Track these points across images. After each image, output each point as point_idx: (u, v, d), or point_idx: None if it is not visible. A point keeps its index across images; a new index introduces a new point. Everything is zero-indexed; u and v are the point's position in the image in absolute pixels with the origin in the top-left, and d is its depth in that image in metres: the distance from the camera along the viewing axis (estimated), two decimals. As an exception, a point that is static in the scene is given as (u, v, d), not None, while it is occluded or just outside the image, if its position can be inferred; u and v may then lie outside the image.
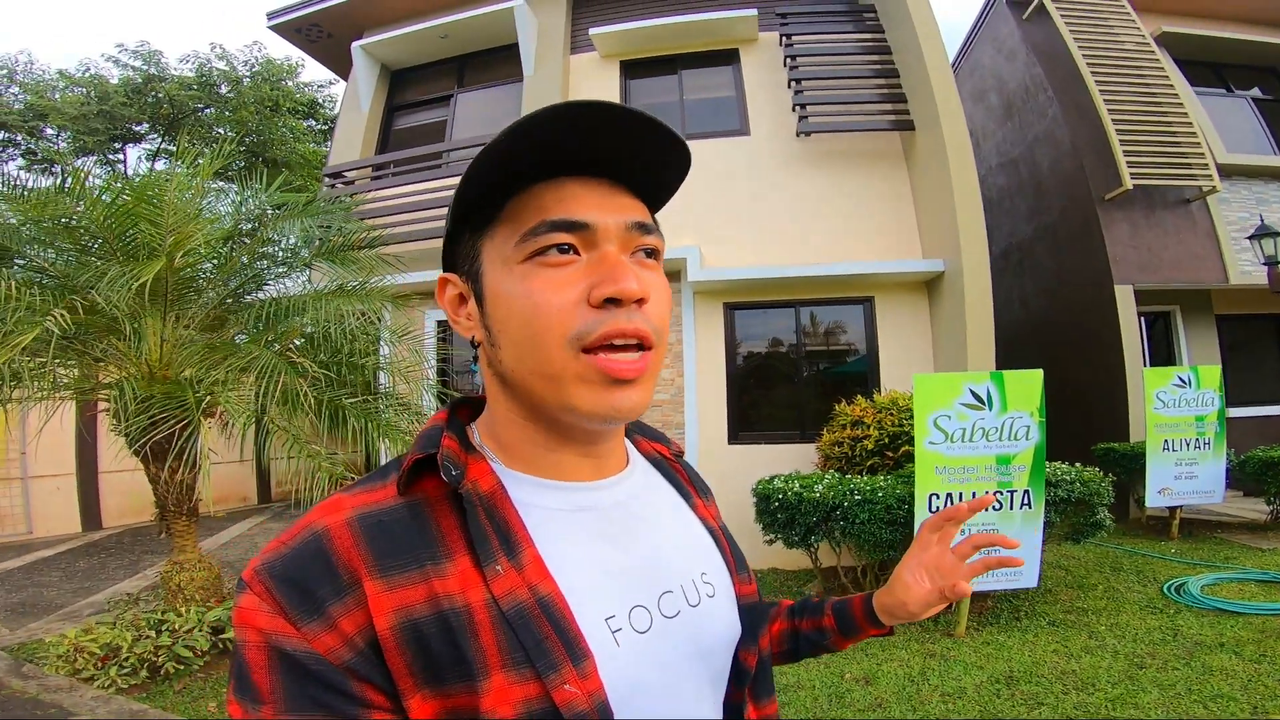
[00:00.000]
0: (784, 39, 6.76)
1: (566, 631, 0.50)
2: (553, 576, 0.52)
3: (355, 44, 7.75)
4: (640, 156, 0.56)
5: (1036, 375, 3.78)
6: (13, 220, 4.12)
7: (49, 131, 14.30)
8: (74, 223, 3.96)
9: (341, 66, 8.85)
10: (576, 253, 0.54)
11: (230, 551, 7.50)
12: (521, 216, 0.55)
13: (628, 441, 0.71)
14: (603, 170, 0.57)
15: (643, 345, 0.54)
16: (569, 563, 0.54)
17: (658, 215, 0.63)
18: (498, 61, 7.73)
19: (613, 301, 0.52)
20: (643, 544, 0.60)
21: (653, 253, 0.58)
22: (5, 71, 14.71)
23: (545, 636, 0.49)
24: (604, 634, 0.52)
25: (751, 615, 0.66)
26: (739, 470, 5.48)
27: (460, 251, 0.60)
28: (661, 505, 0.67)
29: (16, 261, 4.21)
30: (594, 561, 0.56)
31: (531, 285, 0.53)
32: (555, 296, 0.53)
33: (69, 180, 3.89)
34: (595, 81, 7.28)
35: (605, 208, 0.55)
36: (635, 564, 0.58)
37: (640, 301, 0.54)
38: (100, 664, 3.69)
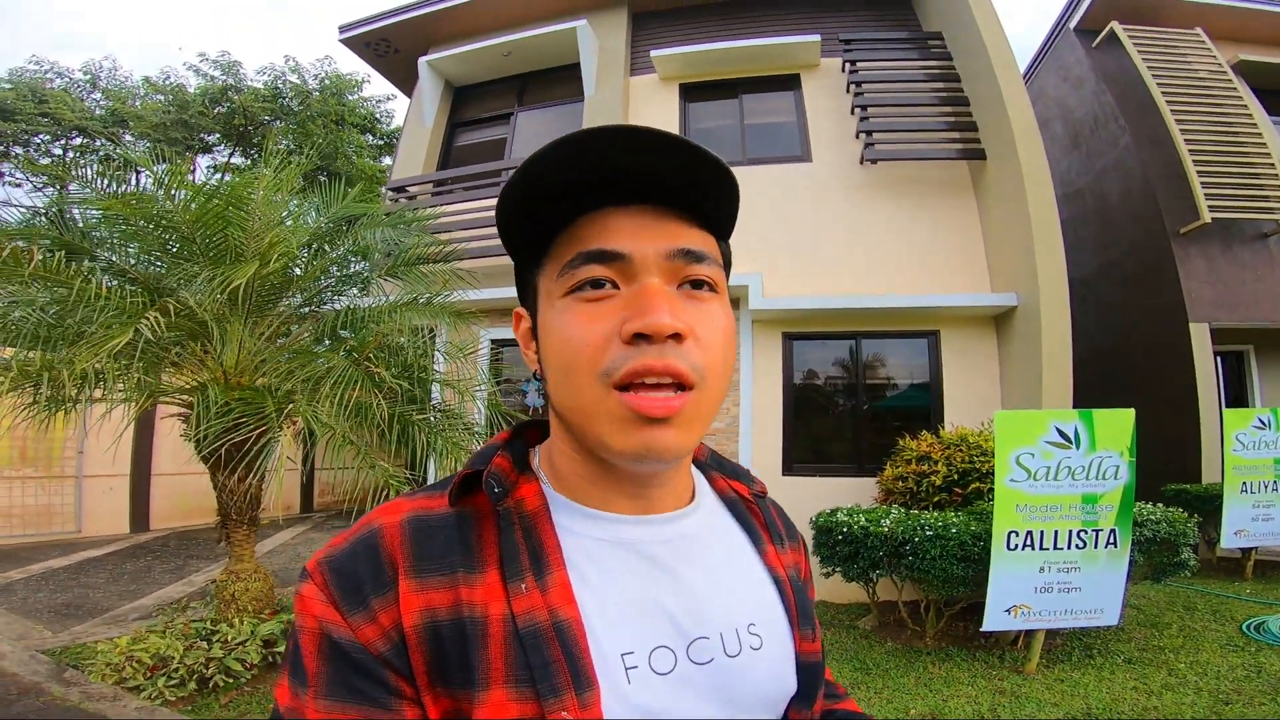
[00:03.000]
0: (847, 65, 6.70)
1: (576, 659, 0.49)
2: (576, 603, 0.51)
3: (422, 59, 7.91)
4: (691, 181, 0.53)
5: (1128, 415, 3.66)
6: (80, 224, 4.10)
7: (128, 139, 14.81)
8: (159, 225, 3.94)
9: (405, 82, 9.06)
10: (616, 286, 0.52)
11: (274, 560, 7.50)
12: (562, 250, 0.54)
13: (702, 478, 0.68)
14: (648, 198, 0.53)
15: (681, 384, 0.50)
16: (597, 594, 0.53)
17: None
18: (558, 80, 7.82)
19: (644, 337, 0.49)
20: (684, 586, 0.56)
21: (706, 284, 0.54)
22: (89, 77, 15.32)
23: (554, 660, 0.48)
24: (616, 669, 0.50)
25: (810, 675, 0.61)
26: (793, 502, 5.23)
27: (524, 288, 0.61)
28: (719, 548, 0.62)
29: (86, 263, 4.13)
30: (624, 597, 0.54)
31: (568, 320, 0.52)
32: (587, 331, 0.51)
33: (157, 183, 3.88)
34: (655, 103, 7.31)
35: (645, 236, 0.52)
36: (669, 605, 0.55)
37: (678, 337, 0.50)
38: (149, 674, 3.55)
